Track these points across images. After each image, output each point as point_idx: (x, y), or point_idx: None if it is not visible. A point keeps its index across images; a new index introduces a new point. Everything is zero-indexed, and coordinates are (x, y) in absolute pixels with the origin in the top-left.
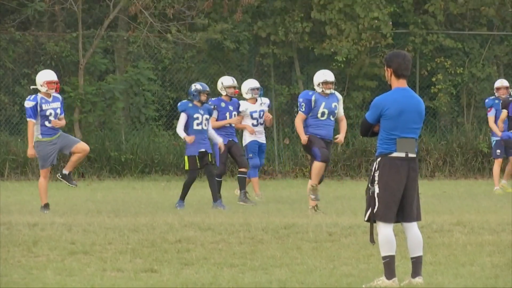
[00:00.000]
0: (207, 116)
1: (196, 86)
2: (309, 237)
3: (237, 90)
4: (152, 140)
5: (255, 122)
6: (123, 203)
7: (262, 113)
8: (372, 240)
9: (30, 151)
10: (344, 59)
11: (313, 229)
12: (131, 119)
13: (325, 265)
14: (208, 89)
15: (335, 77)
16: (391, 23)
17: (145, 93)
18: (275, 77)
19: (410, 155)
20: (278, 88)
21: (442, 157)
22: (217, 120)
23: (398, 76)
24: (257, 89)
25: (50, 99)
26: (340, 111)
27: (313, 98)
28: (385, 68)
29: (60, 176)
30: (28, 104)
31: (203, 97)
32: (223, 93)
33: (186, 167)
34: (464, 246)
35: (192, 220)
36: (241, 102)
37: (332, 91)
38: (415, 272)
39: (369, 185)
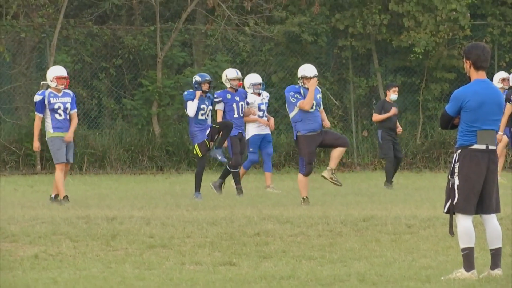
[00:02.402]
0: (210, 107)
1: (196, 78)
2: (388, 229)
3: (241, 82)
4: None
5: (261, 114)
6: (201, 196)
7: (267, 105)
8: (452, 232)
9: (35, 144)
10: (422, 51)
11: (392, 221)
12: None
13: (404, 257)
14: (207, 78)
15: (414, 69)
16: (469, 14)
17: (224, 86)
18: (353, 70)
19: (490, 147)
20: (357, 81)
21: None
22: (224, 111)
23: (477, 68)
24: (259, 84)
25: (60, 94)
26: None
27: (301, 91)
28: (464, 60)
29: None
30: (36, 98)
31: (205, 87)
32: (228, 85)
33: (199, 154)
34: None
35: (270, 213)
36: (250, 95)
37: None
38: (494, 264)
39: (449, 176)
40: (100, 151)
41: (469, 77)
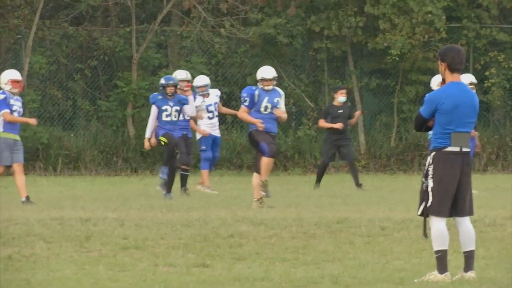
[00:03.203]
0: (177, 108)
1: (161, 80)
2: (361, 231)
3: (190, 84)
4: None
5: (210, 115)
6: (175, 198)
7: (216, 105)
8: (425, 234)
9: (33, 121)
10: (398, 53)
11: (365, 223)
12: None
13: (377, 259)
14: (172, 81)
15: (389, 71)
16: (444, 17)
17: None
18: (329, 72)
19: (464, 149)
20: (332, 83)
21: (495, 151)
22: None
23: (452, 70)
24: (203, 86)
25: (15, 97)
26: (282, 106)
27: (256, 92)
28: (439, 62)
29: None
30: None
31: (169, 90)
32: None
33: (166, 141)
34: None
35: (244, 214)
36: (197, 97)
37: (273, 87)
38: (468, 267)
39: (423, 179)
40: (74, 152)
41: (444, 80)
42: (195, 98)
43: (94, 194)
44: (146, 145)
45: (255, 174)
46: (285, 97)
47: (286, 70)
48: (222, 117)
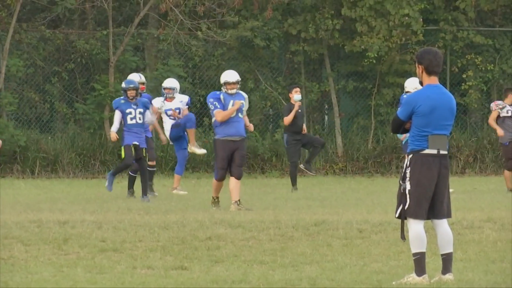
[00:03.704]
0: (141, 110)
1: (122, 84)
2: (339, 234)
3: (144, 86)
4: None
5: (171, 117)
6: (153, 201)
7: (178, 110)
8: (403, 236)
9: None
10: (375, 55)
11: (343, 226)
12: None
13: (355, 262)
14: (133, 84)
15: (366, 74)
16: (421, 19)
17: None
18: (306, 74)
19: (442, 152)
20: (309, 85)
21: (473, 153)
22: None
23: (430, 73)
24: (169, 89)
25: None
26: (246, 109)
27: (221, 96)
28: (416, 65)
29: None
30: None
31: (130, 94)
32: None
33: (123, 156)
34: (495, 243)
35: (222, 217)
36: (156, 99)
37: (237, 91)
38: (446, 269)
39: (401, 181)
40: (52, 155)
41: (421, 82)
42: (150, 99)
43: (71, 197)
44: (112, 136)
45: (231, 178)
46: (262, 99)
47: (263, 72)
48: (199, 120)
